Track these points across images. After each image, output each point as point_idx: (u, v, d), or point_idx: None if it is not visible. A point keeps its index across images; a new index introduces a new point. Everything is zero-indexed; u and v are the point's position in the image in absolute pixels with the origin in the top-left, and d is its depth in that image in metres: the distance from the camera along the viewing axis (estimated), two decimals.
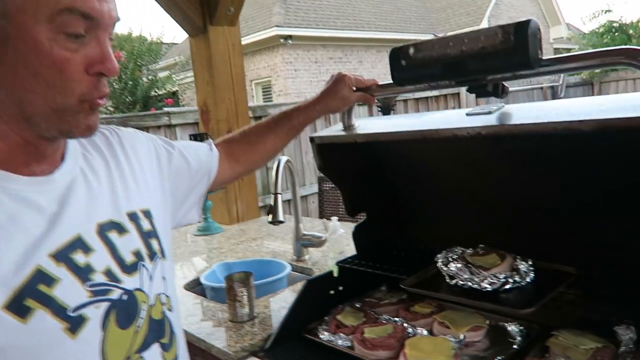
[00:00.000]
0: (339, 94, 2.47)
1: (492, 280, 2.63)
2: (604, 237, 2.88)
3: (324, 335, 3.20)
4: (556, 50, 39.40)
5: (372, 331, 3.06)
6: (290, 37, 23.62)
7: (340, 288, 3.68)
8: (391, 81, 2.58)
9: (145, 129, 9.17)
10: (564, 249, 2.94)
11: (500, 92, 2.50)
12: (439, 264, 2.88)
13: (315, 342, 3.19)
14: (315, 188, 10.29)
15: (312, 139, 3.27)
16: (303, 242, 4.82)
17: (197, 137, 6.25)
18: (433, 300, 3.44)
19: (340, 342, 3.11)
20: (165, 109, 10.46)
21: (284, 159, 4.35)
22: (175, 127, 9.84)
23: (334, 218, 4.25)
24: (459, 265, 2.77)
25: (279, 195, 4.10)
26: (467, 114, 2.56)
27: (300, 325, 3.34)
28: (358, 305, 3.54)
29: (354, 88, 2.52)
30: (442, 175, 3.54)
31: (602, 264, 2.83)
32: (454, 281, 2.77)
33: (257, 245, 5.59)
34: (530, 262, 2.77)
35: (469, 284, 2.68)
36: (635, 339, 2.60)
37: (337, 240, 4.11)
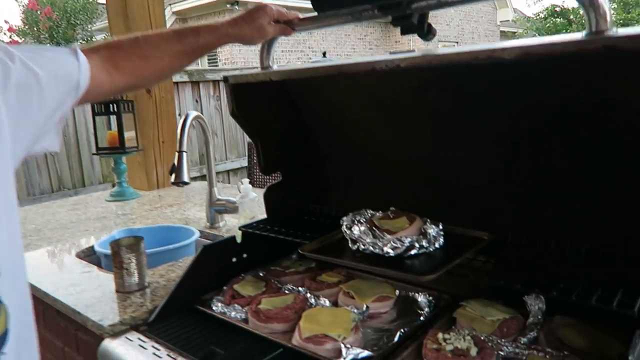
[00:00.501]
0: (255, 22, 2.11)
1: (395, 245, 2.35)
2: (521, 203, 2.67)
3: (217, 307, 2.86)
4: (502, 33, 40.27)
5: (269, 302, 2.74)
6: (237, 2, 22.70)
7: (245, 256, 3.34)
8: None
9: None
10: (480, 215, 2.71)
11: (425, 29, 2.21)
12: (343, 227, 2.57)
13: (206, 314, 2.85)
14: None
15: (225, 79, 2.89)
16: (217, 208, 4.43)
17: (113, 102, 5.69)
18: (342, 269, 3.17)
19: (233, 313, 2.78)
20: None
21: (192, 114, 3.92)
22: None
23: (246, 180, 3.88)
24: (362, 229, 2.48)
25: (184, 154, 3.69)
26: (391, 53, 2.27)
27: (194, 296, 2.98)
28: (262, 275, 3.22)
29: (274, 21, 2.14)
30: (363, 134, 3.24)
31: (516, 230, 2.62)
32: (356, 246, 2.48)
33: (172, 212, 5.15)
34: (440, 227, 2.52)
35: (371, 248, 2.40)
36: (545, 309, 2.41)
37: (249, 205, 3.75)
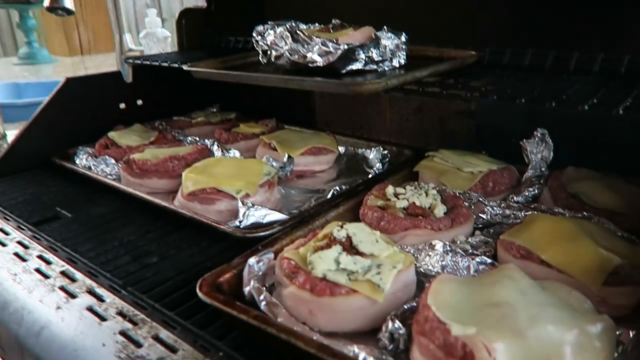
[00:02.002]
0: None
1: (326, 50, 1.45)
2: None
3: (82, 160, 1.99)
4: None
5: (150, 153, 1.88)
6: None
7: (140, 102, 2.43)
8: None
9: None
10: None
11: None
12: (254, 36, 1.65)
13: (66, 169, 1.99)
14: None
15: None
16: (129, 59, 3.43)
17: None
18: (270, 121, 2.29)
19: (102, 168, 1.92)
20: None
21: None
22: None
23: (152, 11, 2.86)
24: (279, 31, 1.55)
25: None
26: None
27: (56, 149, 2.10)
28: (158, 125, 2.33)
29: None
30: None
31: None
32: (266, 58, 1.58)
33: (85, 72, 4.13)
34: (404, 37, 1.59)
35: (289, 56, 1.49)
36: (551, 158, 1.60)
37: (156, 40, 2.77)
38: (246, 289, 1.08)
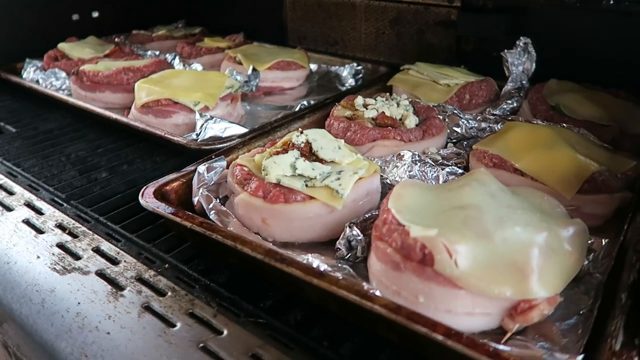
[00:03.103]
0: None
1: None
2: None
3: (29, 74, 1.83)
4: None
5: (103, 65, 1.72)
6: None
7: (96, 15, 2.23)
8: None
9: None
10: None
11: None
12: None
13: (11, 84, 1.83)
14: None
15: None
16: None
17: None
18: (237, 36, 2.13)
19: (51, 81, 1.77)
20: None
21: None
22: None
23: None
24: None
25: None
26: None
27: (1, 61, 1.92)
28: (118, 38, 2.15)
29: None
30: None
31: None
32: None
33: None
34: None
35: None
36: (533, 70, 1.49)
37: None
38: (195, 199, 1.00)
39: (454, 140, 1.34)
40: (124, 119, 1.47)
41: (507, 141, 1.09)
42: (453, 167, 1.10)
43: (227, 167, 1.07)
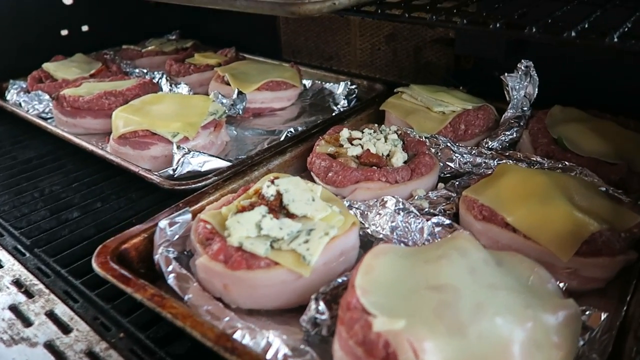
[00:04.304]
0: None
1: None
2: None
3: (12, 96, 1.78)
4: None
5: (87, 87, 1.66)
6: None
7: (85, 29, 2.17)
8: None
9: None
10: None
11: None
12: None
13: None
14: None
15: None
16: None
17: None
18: (229, 51, 2.04)
19: (34, 104, 1.71)
20: None
21: None
22: None
23: None
24: None
25: None
26: None
27: None
28: (107, 54, 2.08)
29: None
30: None
31: None
32: None
33: None
34: None
35: None
36: (535, 95, 1.38)
37: None
38: (156, 257, 0.92)
39: (447, 175, 1.25)
40: (99, 152, 1.40)
41: (498, 189, 0.99)
42: (440, 217, 1.00)
43: (194, 218, 1.00)
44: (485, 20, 1.02)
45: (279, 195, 0.95)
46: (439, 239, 0.95)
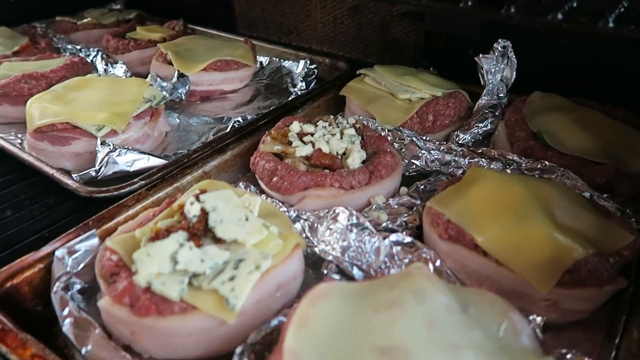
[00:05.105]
0: None
1: None
2: None
3: None
4: None
5: (5, 68, 1.44)
6: None
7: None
8: None
9: None
10: None
11: None
12: None
13: None
14: None
15: None
16: None
17: None
18: (177, 23, 1.82)
19: None
20: None
21: None
22: None
23: None
24: None
25: None
26: None
27: None
28: (31, 29, 1.84)
29: None
30: None
31: None
32: None
33: None
34: None
35: None
36: (512, 79, 1.22)
37: None
38: (52, 295, 0.75)
39: (413, 174, 1.09)
40: (10, 148, 1.20)
41: (468, 201, 0.84)
42: (399, 234, 0.85)
43: (105, 240, 0.82)
44: None
45: (204, 214, 0.78)
46: (397, 265, 0.80)
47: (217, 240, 0.76)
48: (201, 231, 0.76)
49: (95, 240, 0.81)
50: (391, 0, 0.87)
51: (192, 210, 0.78)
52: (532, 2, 0.80)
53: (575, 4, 0.79)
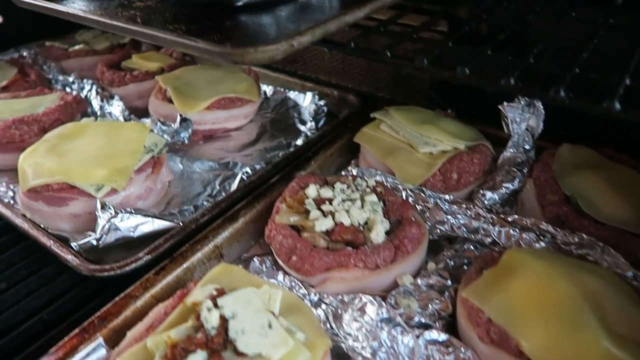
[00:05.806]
0: None
1: None
2: None
3: None
4: None
5: (4, 105, 1.34)
6: None
7: None
8: None
9: None
10: None
11: None
12: None
13: None
14: None
15: None
16: None
17: None
18: (174, 52, 1.72)
19: None
20: None
21: None
22: None
23: None
24: None
25: None
26: None
27: None
28: (24, 55, 1.74)
29: None
30: None
31: None
32: None
33: None
34: None
35: None
36: (540, 129, 1.15)
37: None
38: None
39: (436, 238, 1.02)
40: (3, 212, 1.12)
41: (509, 296, 0.77)
42: (432, 330, 0.78)
43: (111, 347, 0.75)
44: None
45: (223, 322, 0.70)
46: None
47: (239, 354, 0.69)
48: (221, 345, 0.69)
49: (102, 352, 0.74)
50: (433, 71, 0.80)
51: (211, 320, 0.70)
52: (581, 82, 0.73)
53: (628, 82, 0.71)
